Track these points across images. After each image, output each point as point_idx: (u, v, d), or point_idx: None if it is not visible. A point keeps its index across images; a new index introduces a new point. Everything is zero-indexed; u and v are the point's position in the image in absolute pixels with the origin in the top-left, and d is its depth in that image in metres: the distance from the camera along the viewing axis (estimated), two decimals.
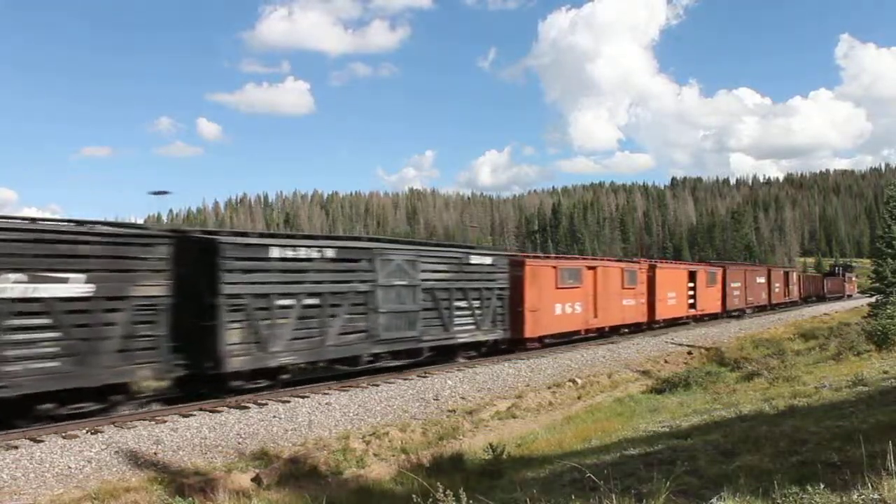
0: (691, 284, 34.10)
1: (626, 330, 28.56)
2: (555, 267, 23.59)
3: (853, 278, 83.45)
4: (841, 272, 78.13)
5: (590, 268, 25.85)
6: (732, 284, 39.02)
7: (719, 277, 37.74)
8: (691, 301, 34.19)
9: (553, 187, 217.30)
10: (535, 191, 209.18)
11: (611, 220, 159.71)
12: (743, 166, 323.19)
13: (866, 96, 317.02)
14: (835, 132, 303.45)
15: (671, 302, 31.78)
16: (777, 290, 48.46)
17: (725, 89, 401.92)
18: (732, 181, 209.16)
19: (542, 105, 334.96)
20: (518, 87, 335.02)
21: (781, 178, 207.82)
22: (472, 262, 19.37)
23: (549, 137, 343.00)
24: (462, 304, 18.79)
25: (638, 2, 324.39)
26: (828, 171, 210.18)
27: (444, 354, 18.82)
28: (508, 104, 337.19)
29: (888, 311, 21.22)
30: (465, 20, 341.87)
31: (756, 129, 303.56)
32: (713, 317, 37.23)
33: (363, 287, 15.76)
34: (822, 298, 63.88)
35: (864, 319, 27.99)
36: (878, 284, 32.97)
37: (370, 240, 17.89)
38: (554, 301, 22.96)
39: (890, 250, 32.58)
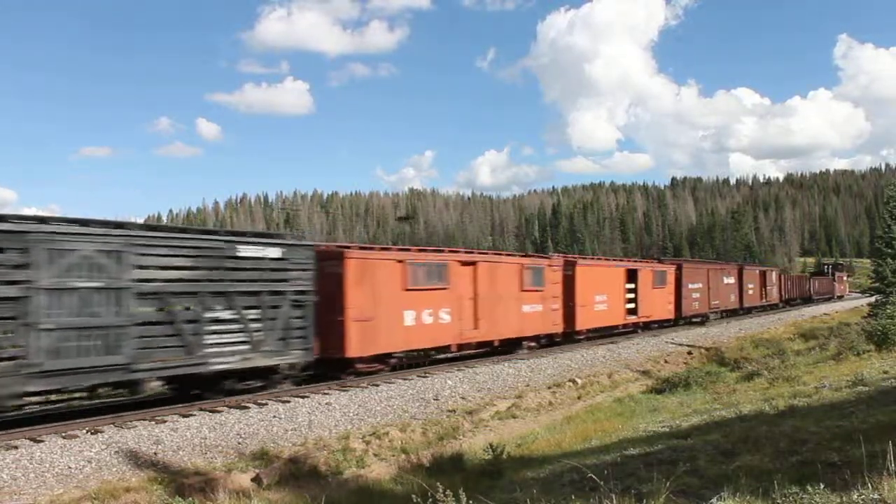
0: (631, 285, 28.25)
1: (533, 343, 22.45)
2: (401, 261, 17.54)
3: (844, 278, 78.54)
4: (830, 271, 73.52)
5: (465, 263, 19.41)
6: (690, 285, 33.35)
7: (671, 277, 31.88)
8: (631, 306, 28.36)
9: (553, 187, 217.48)
10: (535, 191, 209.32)
11: (611, 220, 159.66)
12: (742, 166, 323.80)
13: (865, 96, 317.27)
14: (834, 132, 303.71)
15: (600, 307, 25.88)
16: (751, 291, 42.71)
17: (724, 89, 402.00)
18: (732, 181, 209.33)
19: (541, 105, 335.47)
20: (517, 87, 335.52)
21: (781, 178, 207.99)
22: (244, 254, 13.79)
23: (548, 137, 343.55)
24: (225, 314, 13.25)
25: (637, 2, 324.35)
26: (828, 171, 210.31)
27: (199, 386, 13.59)
28: (507, 104, 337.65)
29: (888, 311, 21.21)
30: (463, 21, 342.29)
31: (755, 129, 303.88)
32: (664, 324, 31.88)
33: (5, 291, 10.28)
34: (808, 300, 58.33)
35: (864, 319, 27.99)
36: (878, 284, 32.95)
37: (28, 219, 11.27)
38: (402, 307, 17.27)
39: (890, 250, 32.56)
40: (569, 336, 24.46)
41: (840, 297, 69.63)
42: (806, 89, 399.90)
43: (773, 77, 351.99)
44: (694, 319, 34.55)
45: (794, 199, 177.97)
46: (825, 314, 43.47)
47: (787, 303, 52.47)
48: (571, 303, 24.04)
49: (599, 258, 33.61)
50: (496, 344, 20.91)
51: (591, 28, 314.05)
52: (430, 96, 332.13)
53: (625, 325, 28.31)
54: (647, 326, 30.33)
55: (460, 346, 19.31)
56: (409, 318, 17.35)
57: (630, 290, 28.24)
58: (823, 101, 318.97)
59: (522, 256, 24.29)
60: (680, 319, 32.85)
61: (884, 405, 8.84)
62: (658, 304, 30.56)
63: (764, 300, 45.85)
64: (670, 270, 32.25)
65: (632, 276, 28.61)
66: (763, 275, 46.50)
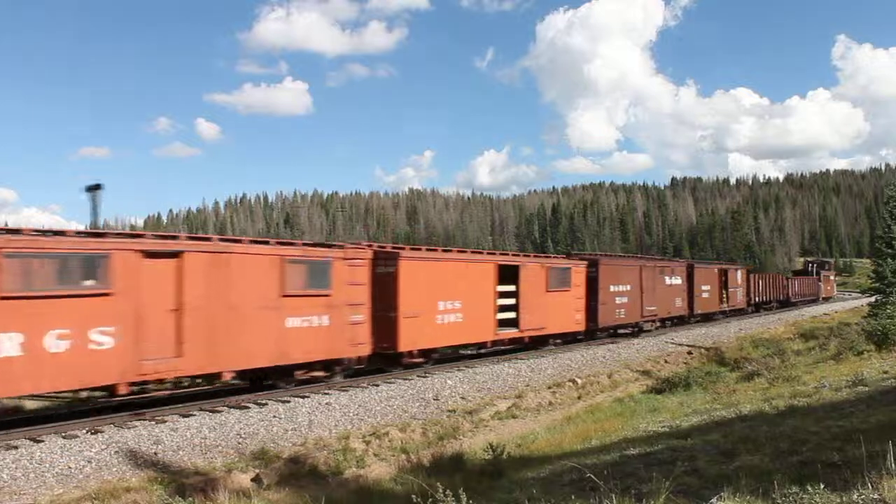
0: (508, 288, 20.51)
1: (301, 373, 15.22)
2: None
3: (831, 277, 70.94)
4: (815, 270, 65.16)
5: (157, 254, 12.18)
6: (613, 288, 25.96)
7: (578, 277, 24.09)
8: (508, 316, 20.60)
9: (553, 187, 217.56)
10: (535, 191, 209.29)
11: (611, 220, 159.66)
12: (742, 166, 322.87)
13: (863, 96, 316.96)
14: (833, 132, 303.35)
15: (449, 318, 18.29)
16: (706, 295, 35.51)
17: (722, 89, 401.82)
18: (732, 181, 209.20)
19: (540, 106, 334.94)
20: (516, 87, 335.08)
21: (781, 178, 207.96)
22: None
23: (547, 138, 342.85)
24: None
25: (635, 3, 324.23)
26: (828, 171, 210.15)
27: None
28: (506, 105, 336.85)
29: (888, 311, 21.21)
30: (461, 21, 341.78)
31: (754, 129, 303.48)
32: (570, 339, 24.52)
33: None
34: (785, 304, 50.99)
35: (864, 319, 27.99)
36: (878, 284, 32.91)
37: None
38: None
39: (890, 250, 32.51)
40: (392, 360, 17.53)
41: (827, 299, 63.29)
42: (805, 89, 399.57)
43: (771, 77, 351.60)
44: (621, 331, 27.72)
45: (794, 199, 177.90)
46: (825, 314, 43.40)
47: (759, 307, 45.46)
48: (390, 314, 16.77)
49: (442, 251, 20.16)
50: (230, 377, 14.90)
51: (589, 28, 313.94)
52: (428, 97, 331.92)
53: (495, 342, 20.76)
54: (539, 343, 22.77)
55: (132, 385, 12.19)
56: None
57: (504, 295, 20.37)
58: (822, 101, 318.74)
59: (284, 245, 15.94)
60: (596, 332, 25.53)
61: (884, 405, 8.85)
62: (556, 312, 22.62)
63: (724, 304, 38.46)
64: (577, 268, 24.27)
65: (506, 275, 20.47)
66: (723, 274, 38.81)
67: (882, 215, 36.43)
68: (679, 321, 33.20)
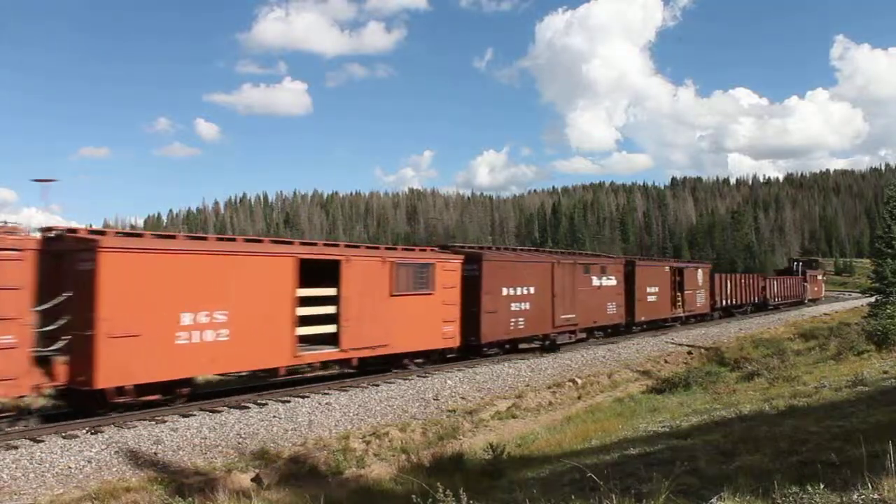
0: (322, 292, 15.20)
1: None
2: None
3: (819, 277, 63.89)
4: (800, 269, 58.66)
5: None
6: (507, 291, 20.26)
7: (451, 277, 18.46)
8: (320, 330, 15.20)
9: (553, 187, 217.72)
10: (535, 191, 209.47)
11: (611, 220, 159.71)
12: (741, 166, 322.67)
13: (862, 97, 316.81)
14: (832, 132, 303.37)
15: (204, 336, 12.69)
16: (652, 298, 29.78)
17: (721, 90, 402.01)
18: (732, 181, 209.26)
19: (539, 106, 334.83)
20: (515, 88, 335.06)
21: (781, 178, 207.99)
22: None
23: (546, 138, 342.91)
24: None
25: (634, 3, 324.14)
26: (828, 171, 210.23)
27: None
28: (506, 105, 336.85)
29: (888, 311, 21.22)
30: (460, 22, 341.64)
31: (753, 129, 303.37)
32: (438, 357, 18.81)
33: None
34: (763, 307, 45.46)
35: (864, 319, 28.00)
36: (878, 284, 32.93)
37: None
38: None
39: (890, 250, 32.54)
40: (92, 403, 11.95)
41: (814, 301, 57.72)
42: (804, 89, 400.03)
43: (770, 77, 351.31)
44: (522, 346, 22.36)
45: (794, 199, 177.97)
46: (825, 314, 43.39)
47: (730, 312, 40.07)
48: (89, 328, 11.21)
49: (186, 238, 13.92)
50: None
51: (588, 29, 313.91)
52: (428, 97, 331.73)
53: (294, 368, 15.58)
54: (384, 365, 17.36)
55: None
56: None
57: (318, 301, 15.11)
58: (821, 101, 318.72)
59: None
60: (481, 348, 19.89)
61: (884, 405, 8.85)
62: (409, 323, 17.09)
63: (679, 310, 32.60)
64: (446, 265, 18.30)
65: (321, 273, 15.25)
66: (677, 273, 32.79)
67: (882, 215, 36.44)
68: (613, 331, 27.32)
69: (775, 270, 68.55)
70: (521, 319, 20.87)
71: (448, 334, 18.45)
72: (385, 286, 16.47)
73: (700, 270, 35.90)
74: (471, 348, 19.72)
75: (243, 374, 15.18)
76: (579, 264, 24.66)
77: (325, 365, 16.72)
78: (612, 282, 26.36)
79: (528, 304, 21.14)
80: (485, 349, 20.06)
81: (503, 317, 20.11)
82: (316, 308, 14.98)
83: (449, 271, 18.48)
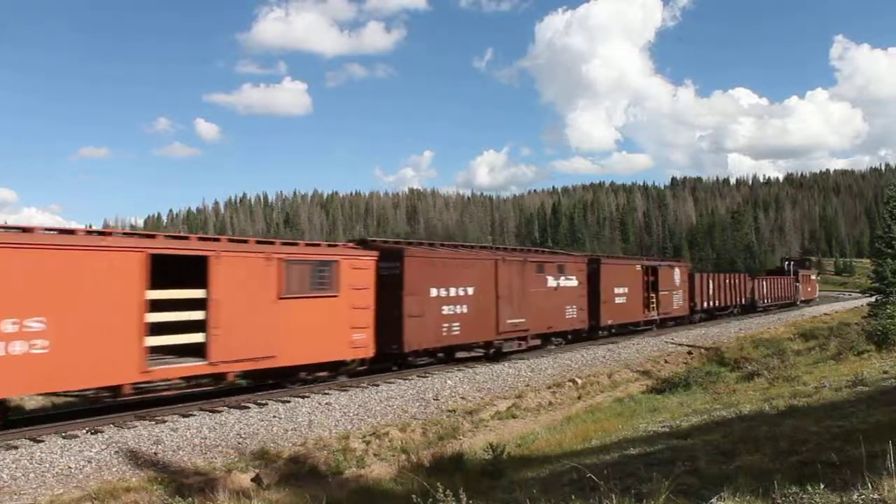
0: (185, 294, 12.82)
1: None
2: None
3: (812, 277, 60.68)
4: (792, 269, 55.86)
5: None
6: (436, 292, 17.66)
7: (362, 277, 16.00)
8: (182, 340, 12.72)
9: (553, 187, 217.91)
10: (535, 191, 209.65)
11: (611, 220, 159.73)
12: (741, 166, 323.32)
13: (862, 97, 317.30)
14: (832, 132, 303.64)
15: (12, 348, 10.23)
16: (620, 300, 27.02)
17: (721, 90, 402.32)
18: (732, 181, 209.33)
19: (539, 106, 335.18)
20: (515, 88, 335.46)
21: (781, 178, 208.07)
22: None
23: (546, 138, 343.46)
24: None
25: (633, 3, 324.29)
26: (828, 171, 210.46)
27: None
28: (505, 105, 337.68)
29: (888, 311, 21.22)
30: (460, 22, 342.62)
31: (752, 129, 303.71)
32: (349, 371, 16.33)
33: None
34: (751, 309, 43.19)
35: (864, 319, 28.00)
36: (878, 284, 32.95)
37: None
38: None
39: (890, 250, 32.58)
40: None
41: (807, 302, 55.49)
42: (803, 89, 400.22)
43: (770, 77, 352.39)
44: (460, 354, 19.27)
45: (794, 199, 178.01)
46: (825, 314, 43.37)
47: (712, 314, 37.60)
48: None
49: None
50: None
51: (588, 29, 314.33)
52: (427, 97, 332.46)
53: (142, 386, 12.35)
54: (275, 378, 15.25)
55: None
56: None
57: (179, 304, 12.60)
58: (821, 101, 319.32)
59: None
60: (408, 356, 17.48)
61: (884, 405, 8.85)
62: (306, 331, 14.58)
63: (652, 312, 29.92)
64: (355, 263, 15.83)
65: (185, 272, 13.12)
66: (651, 273, 30.02)
67: (882, 215, 36.47)
68: (575, 337, 24.70)
69: (766, 270, 65.74)
70: (455, 325, 18.24)
71: (359, 343, 15.78)
72: (272, 288, 13.90)
73: (677, 269, 32.85)
74: (391, 358, 17.32)
75: (73, 394, 12.66)
76: (531, 262, 21.87)
77: (191, 381, 13.33)
78: (573, 282, 23.73)
79: (464, 307, 18.54)
80: (410, 359, 17.52)
81: (433, 322, 17.47)
82: (177, 314, 12.45)
83: (359, 270, 15.88)
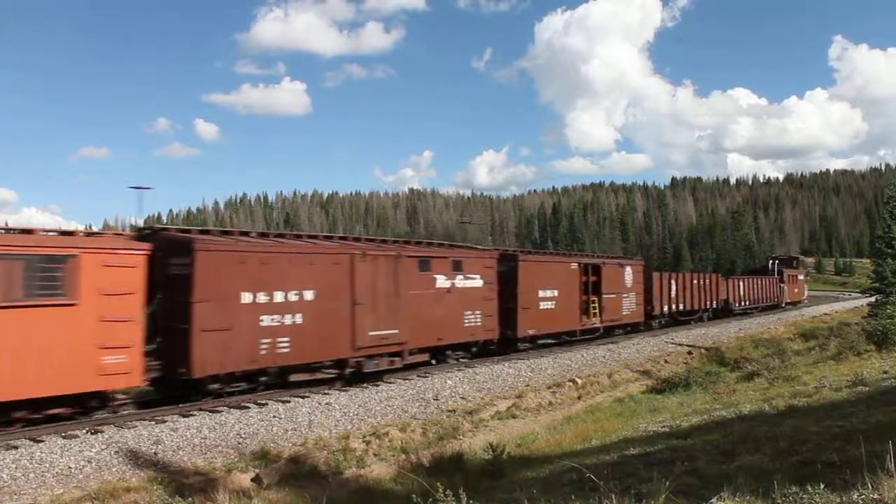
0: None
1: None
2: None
3: (800, 277, 55.20)
4: (775, 268, 50.93)
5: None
6: (257, 297, 13.68)
7: (122, 277, 11.85)
8: None
9: (553, 187, 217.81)
10: (535, 191, 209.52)
11: (611, 220, 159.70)
12: (740, 166, 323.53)
13: (861, 97, 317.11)
14: (831, 132, 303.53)
15: None
16: (549, 305, 22.73)
17: (720, 90, 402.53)
18: (732, 181, 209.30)
19: (538, 106, 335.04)
20: (514, 88, 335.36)
21: (781, 178, 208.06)
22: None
23: (545, 138, 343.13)
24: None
25: (632, 4, 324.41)
26: (828, 171, 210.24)
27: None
28: (505, 105, 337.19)
29: (888, 311, 21.22)
30: (459, 22, 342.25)
31: (751, 129, 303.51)
32: (94, 404, 11.92)
33: None
34: (723, 313, 38.65)
35: (864, 319, 28.01)
36: (878, 284, 32.95)
37: None
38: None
39: (890, 250, 32.58)
40: None
41: (794, 304, 51.13)
42: (802, 89, 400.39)
43: (769, 77, 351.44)
44: (295, 378, 15.01)
45: (794, 199, 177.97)
46: (825, 314, 43.35)
47: (674, 320, 33.10)
48: None
49: None
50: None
51: (587, 29, 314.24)
52: (427, 97, 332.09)
53: None
54: None
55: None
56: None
57: None
58: (820, 101, 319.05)
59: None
60: (208, 383, 13.34)
61: (884, 405, 8.85)
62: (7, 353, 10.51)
63: (593, 319, 25.37)
64: (109, 256, 11.82)
65: None
66: (591, 272, 25.53)
67: (882, 215, 36.46)
68: (481, 350, 20.23)
69: (749, 270, 62.45)
70: (284, 340, 14.03)
71: (114, 368, 11.61)
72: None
73: (629, 268, 28.54)
74: (179, 385, 13.21)
75: None
76: (409, 258, 17.19)
77: None
78: (476, 282, 19.35)
79: (299, 316, 14.30)
80: (208, 385, 13.23)
81: (245, 337, 13.39)
82: None
83: (116, 268, 11.76)
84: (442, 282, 18.31)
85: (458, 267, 18.97)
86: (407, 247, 18.45)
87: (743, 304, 41.61)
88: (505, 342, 21.26)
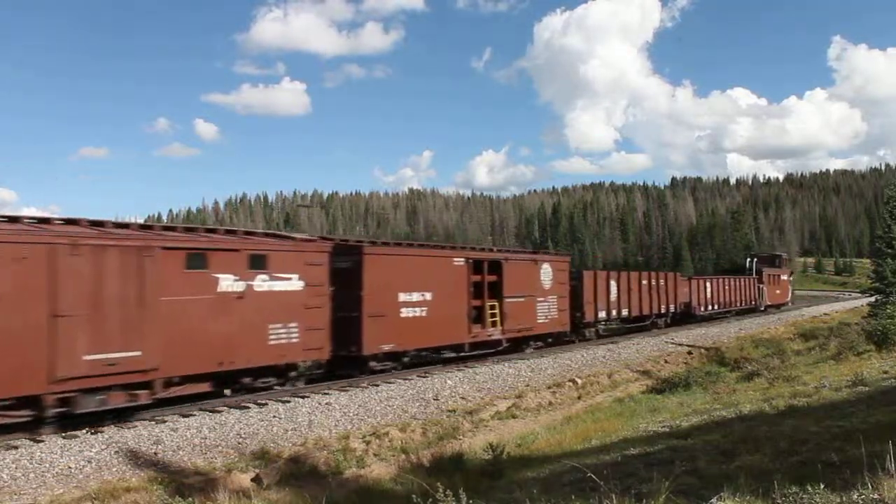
0: None
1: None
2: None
3: (783, 278, 48.88)
4: (753, 267, 45.17)
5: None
6: None
7: None
8: None
9: (553, 187, 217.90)
10: (535, 191, 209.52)
11: (611, 221, 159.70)
12: (740, 167, 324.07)
13: (860, 97, 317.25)
14: (830, 132, 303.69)
15: None
16: (417, 313, 17.73)
17: (719, 90, 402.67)
18: (732, 181, 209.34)
19: (537, 106, 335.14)
20: (513, 88, 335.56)
21: (781, 178, 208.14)
22: None
23: (545, 138, 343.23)
24: None
25: (631, 4, 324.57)
26: (828, 171, 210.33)
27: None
28: (504, 105, 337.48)
29: (888, 311, 21.22)
30: (458, 22, 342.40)
31: (751, 129, 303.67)
32: None
33: None
34: (685, 318, 33.61)
35: (864, 319, 28.00)
36: (878, 284, 32.94)
37: None
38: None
39: (890, 250, 32.56)
40: None
41: (777, 307, 46.35)
42: (802, 89, 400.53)
43: (768, 77, 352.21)
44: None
45: (794, 199, 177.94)
46: (825, 314, 43.34)
47: (629, 325, 28.91)
48: None
49: None
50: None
51: (586, 29, 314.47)
52: (426, 97, 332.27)
53: None
54: None
55: None
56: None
57: None
58: (819, 101, 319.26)
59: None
60: None
61: (884, 405, 8.85)
62: None
63: (490, 330, 20.22)
64: None
65: None
66: (486, 270, 20.24)
67: (882, 215, 36.45)
68: (283, 376, 14.91)
69: (723, 269, 57.75)
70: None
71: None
72: None
73: (547, 266, 23.05)
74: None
75: None
76: (166, 250, 12.40)
77: None
78: (290, 284, 14.56)
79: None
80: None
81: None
82: None
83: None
84: (229, 284, 13.41)
85: (257, 263, 14.00)
86: (167, 234, 13.30)
87: (710, 307, 36.37)
88: (342, 363, 16.33)
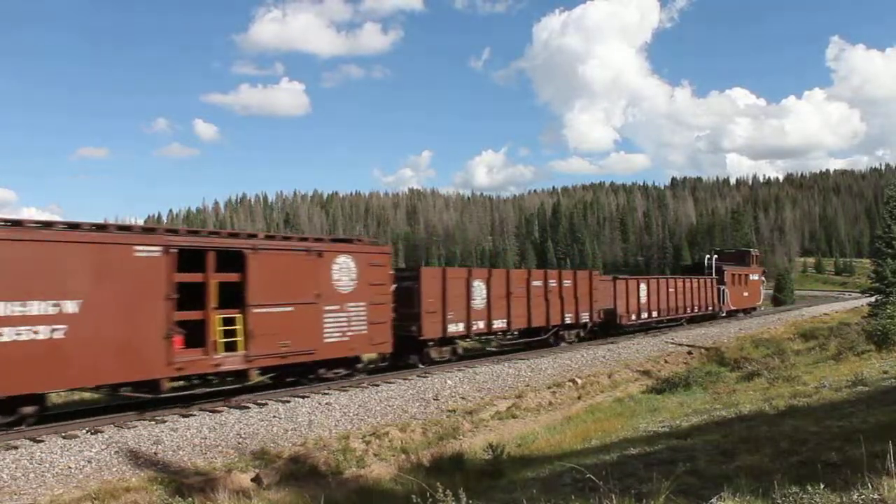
0: None
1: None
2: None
3: (753, 278, 41.20)
4: (713, 266, 37.41)
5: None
6: None
7: None
8: None
9: (553, 187, 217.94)
10: (535, 191, 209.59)
11: (611, 221, 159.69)
12: (739, 167, 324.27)
13: (858, 97, 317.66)
14: (829, 133, 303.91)
15: None
16: (55, 333, 10.49)
17: (717, 90, 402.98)
18: (732, 181, 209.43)
19: (536, 106, 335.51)
20: (512, 88, 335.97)
21: (781, 178, 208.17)
22: None
23: (544, 138, 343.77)
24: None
25: (630, 4, 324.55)
26: (827, 171, 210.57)
27: None
28: (503, 105, 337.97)
29: (888, 311, 21.22)
30: (456, 23, 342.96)
31: (750, 129, 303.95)
32: None
33: None
34: (612, 328, 26.92)
35: (864, 319, 27.99)
36: (878, 284, 32.92)
37: None
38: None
39: (890, 250, 32.53)
40: None
41: (747, 312, 39.86)
42: (800, 90, 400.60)
43: (767, 77, 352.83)
44: None
45: (794, 199, 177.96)
46: (825, 314, 43.30)
47: (518, 342, 22.54)
48: None
49: None
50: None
51: (585, 30, 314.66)
52: (425, 97, 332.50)
53: None
54: None
55: None
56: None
57: None
58: (818, 101, 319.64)
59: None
60: None
61: (884, 405, 8.85)
62: None
63: (222, 355, 13.14)
64: None
65: None
66: (219, 263, 13.31)
67: (882, 215, 36.43)
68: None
69: (682, 266, 51.31)
70: None
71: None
72: None
73: (346, 258, 15.70)
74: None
75: None
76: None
77: None
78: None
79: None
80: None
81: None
82: None
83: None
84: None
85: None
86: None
87: (644, 315, 28.89)
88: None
